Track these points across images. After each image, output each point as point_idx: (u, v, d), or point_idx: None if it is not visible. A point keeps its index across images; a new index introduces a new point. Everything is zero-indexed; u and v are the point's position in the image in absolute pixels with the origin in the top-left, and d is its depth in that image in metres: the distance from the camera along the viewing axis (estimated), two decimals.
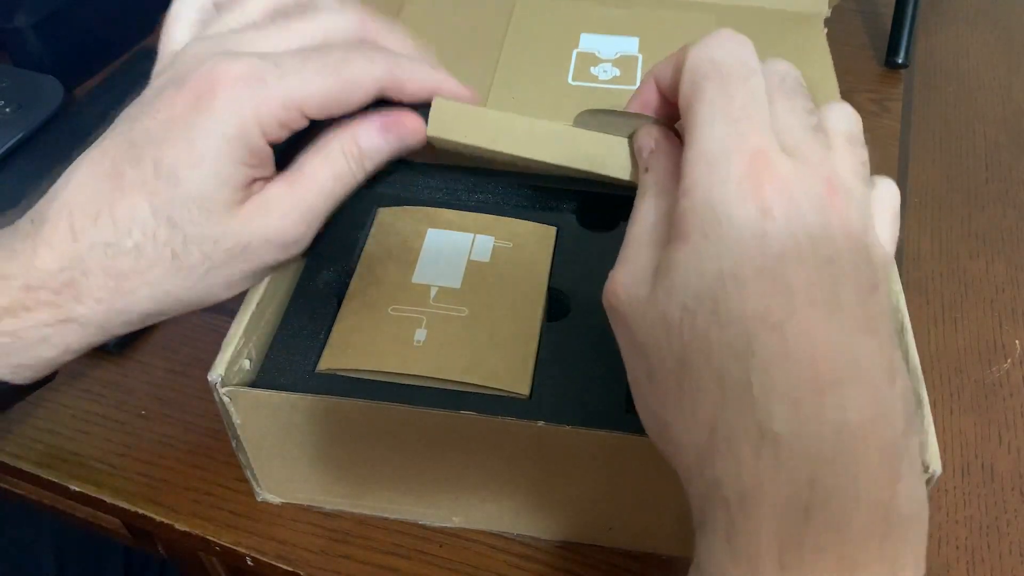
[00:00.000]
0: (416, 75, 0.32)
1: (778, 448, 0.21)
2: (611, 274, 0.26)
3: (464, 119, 0.32)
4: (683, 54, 0.26)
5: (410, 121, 0.32)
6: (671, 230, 0.24)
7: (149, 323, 0.33)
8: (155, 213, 0.29)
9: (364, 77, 0.30)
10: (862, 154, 0.26)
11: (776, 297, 0.22)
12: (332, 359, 0.35)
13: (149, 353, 0.45)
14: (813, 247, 0.22)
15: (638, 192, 0.27)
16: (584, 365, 0.35)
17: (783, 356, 0.22)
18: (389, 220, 0.41)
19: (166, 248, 0.30)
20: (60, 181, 0.31)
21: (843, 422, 0.21)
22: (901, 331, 0.33)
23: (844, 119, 0.26)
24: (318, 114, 0.30)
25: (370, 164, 0.32)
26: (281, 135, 0.30)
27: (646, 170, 0.27)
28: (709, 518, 0.23)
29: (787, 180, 0.23)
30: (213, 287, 0.32)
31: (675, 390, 0.24)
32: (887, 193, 0.27)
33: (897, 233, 0.26)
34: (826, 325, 0.22)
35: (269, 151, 0.31)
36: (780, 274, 0.22)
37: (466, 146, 0.32)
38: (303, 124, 0.31)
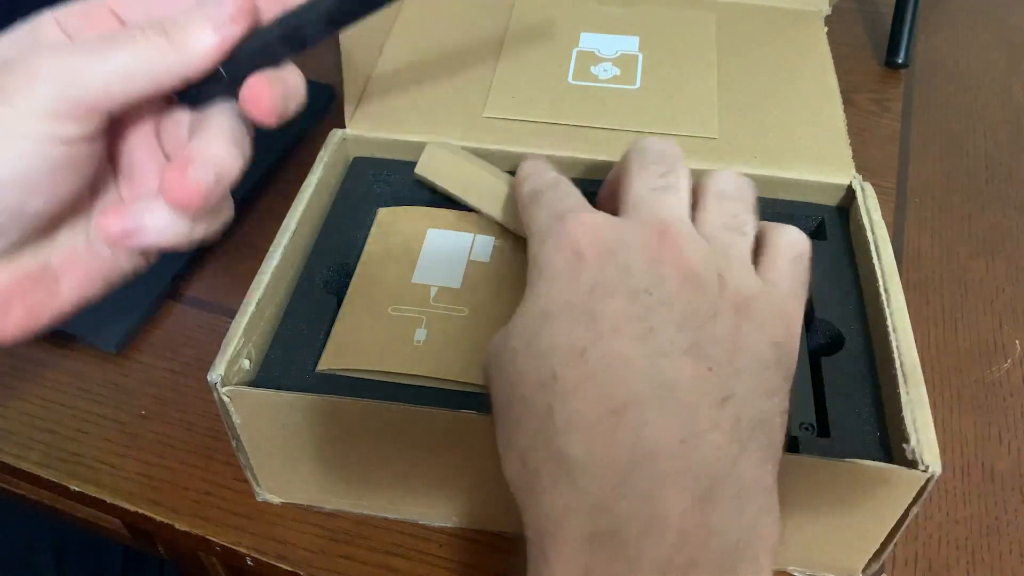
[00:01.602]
0: None
1: (574, 474, 0.21)
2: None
3: (447, 167, 0.40)
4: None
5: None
6: None
7: None
8: None
9: None
10: (733, 207, 0.28)
11: (580, 327, 0.23)
12: (332, 359, 0.35)
13: (149, 353, 0.45)
14: (624, 281, 0.24)
15: None
16: None
17: (583, 380, 0.22)
18: (389, 220, 0.41)
19: None
20: None
21: (637, 442, 0.20)
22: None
23: (719, 181, 0.29)
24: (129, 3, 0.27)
25: (176, 33, 0.24)
26: None
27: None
28: (529, 556, 0.22)
29: (599, 229, 0.26)
30: None
31: (502, 427, 0.25)
32: (783, 240, 0.28)
33: (800, 274, 0.27)
34: (632, 349, 0.22)
35: None
36: (587, 307, 0.24)
37: (444, 189, 0.40)
38: None
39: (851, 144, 0.44)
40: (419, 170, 0.39)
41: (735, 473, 0.21)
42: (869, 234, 0.38)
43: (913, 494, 0.30)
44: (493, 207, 0.39)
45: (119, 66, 0.24)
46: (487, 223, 0.40)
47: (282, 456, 0.35)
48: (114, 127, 0.27)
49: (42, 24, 0.26)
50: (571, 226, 0.26)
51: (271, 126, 0.27)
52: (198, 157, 0.25)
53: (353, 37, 0.43)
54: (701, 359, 0.22)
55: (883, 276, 0.36)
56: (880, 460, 0.30)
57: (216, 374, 0.32)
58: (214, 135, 0.26)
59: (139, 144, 0.28)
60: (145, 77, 0.24)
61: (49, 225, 0.26)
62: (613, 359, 0.22)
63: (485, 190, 0.39)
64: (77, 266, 0.28)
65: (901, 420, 0.31)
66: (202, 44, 0.25)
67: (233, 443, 0.35)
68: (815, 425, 0.33)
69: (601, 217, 0.26)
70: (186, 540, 0.38)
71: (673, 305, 0.23)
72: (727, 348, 0.23)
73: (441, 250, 0.39)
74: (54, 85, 0.23)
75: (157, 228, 0.26)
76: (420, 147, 0.44)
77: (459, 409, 0.32)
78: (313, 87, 0.66)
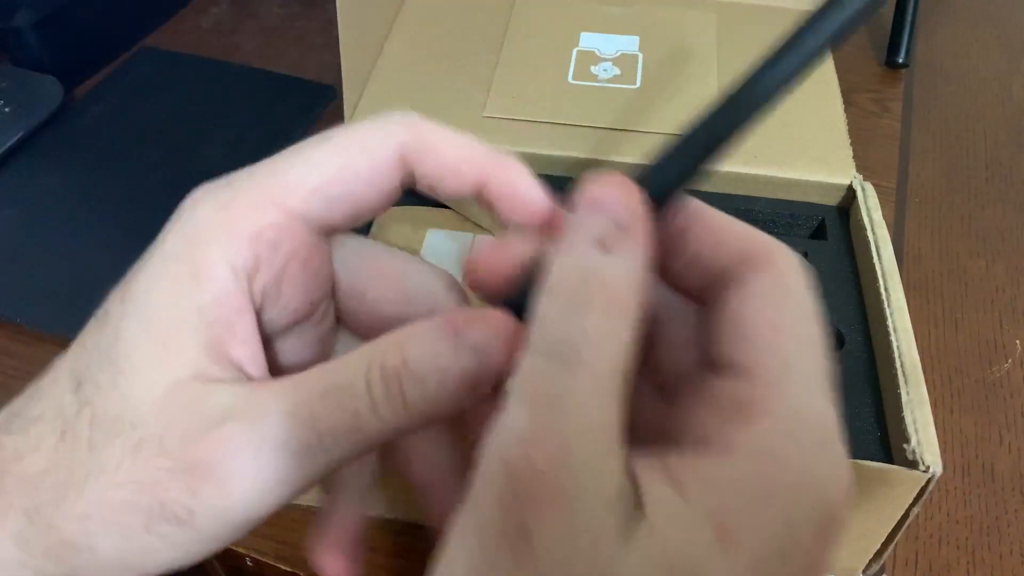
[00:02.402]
0: (458, 145, 0.21)
1: None
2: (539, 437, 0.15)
3: None
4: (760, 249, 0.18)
5: (500, 324, 0.18)
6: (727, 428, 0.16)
7: None
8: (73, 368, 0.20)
9: (376, 138, 0.20)
10: None
11: None
12: None
13: None
14: None
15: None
16: None
17: None
18: (389, 220, 0.41)
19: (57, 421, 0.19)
20: None
21: None
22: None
23: None
24: (317, 204, 0.20)
25: (416, 395, 0.18)
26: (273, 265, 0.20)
27: (604, 247, 0.17)
28: None
29: None
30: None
31: None
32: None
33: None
34: None
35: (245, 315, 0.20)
36: None
37: None
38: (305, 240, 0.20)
39: (851, 144, 0.44)
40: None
41: None
42: (869, 234, 0.38)
43: (913, 494, 0.30)
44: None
45: (329, 462, 0.18)
46: (487, 223, 0.40)
47: None
48: None
49: (206, 274, 0.19)
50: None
51: None
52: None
53: (353, 37, 0.43)
54: None
55: (883, 276, 0.36)
56: (880, 460, 0.30)
57: None
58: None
59: None
60: (357, 456, 0.19)
61: None
62: None
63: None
64: None
65: (901, 420, 0.31)
66: (452, 411, 0.18)
67: None
68: None
69: None
70: None
71: None
72: None
73: (441, 250, 0.39)
74: (249, 506, 0.18)
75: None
76: None
77: None
78: (313, 87, 0.67)
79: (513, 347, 0.18)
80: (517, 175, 0.21)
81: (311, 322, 0.22)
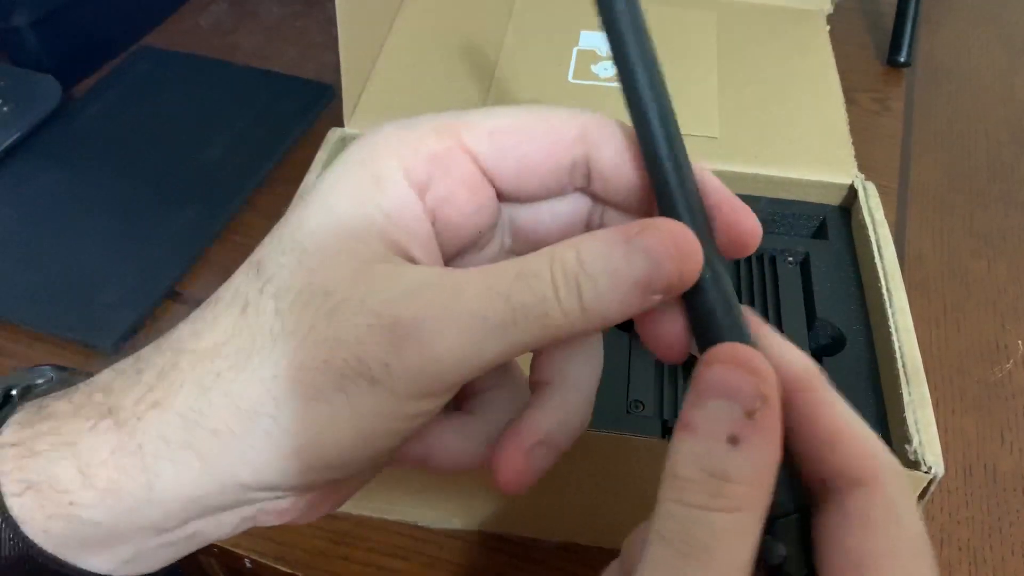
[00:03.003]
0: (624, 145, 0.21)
1: None
2: None
3: None
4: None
5: (674, 232, 0.19)
6: None
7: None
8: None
9: (561, 113, 0.21)
10: None
11: None
12: None
13: None
14: None
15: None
16: None
17: None
18: None
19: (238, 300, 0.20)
20: None
21: None
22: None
23: None
24: (490, 147, 0.21)
25: (590, 293, 0.18)
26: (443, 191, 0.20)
27: (733, 441, 0.17)
28: None
29: None
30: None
31: None
32: None
33: None
34: None
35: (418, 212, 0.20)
36: None
37: None
38: (471, 172, 0.21)
39: (853, 143, 0.43)
40: None
41: None
42: (871, 234, 0.38)
43: (915, 495, 0.30)
44: None
45: (517, 343, 0.18)
46: None
47: None
48: None
49: (387, 181, 0.20)
50: None
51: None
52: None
53: (353, 37, 0.43)
54: None
55: (885, 276, 0.36)
56: None
57: None
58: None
59: None
60: (539, 344, 0.19)
61: None
62: None
63: None
64: None
65: (903, 420, 0.31)
66: (624, 314, 0.19)
67: None
68: None
69: None
70: None
71: None
72: None
73: None
74: (444, 369, 0.18)
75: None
76: None
77: None
78: (312, 86, 0.66)
79: (685, 254, 0.18)
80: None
81: (477, 250, 0.23)
